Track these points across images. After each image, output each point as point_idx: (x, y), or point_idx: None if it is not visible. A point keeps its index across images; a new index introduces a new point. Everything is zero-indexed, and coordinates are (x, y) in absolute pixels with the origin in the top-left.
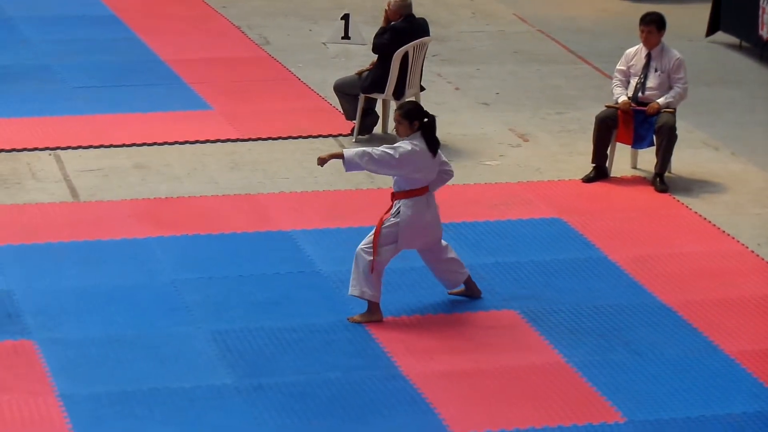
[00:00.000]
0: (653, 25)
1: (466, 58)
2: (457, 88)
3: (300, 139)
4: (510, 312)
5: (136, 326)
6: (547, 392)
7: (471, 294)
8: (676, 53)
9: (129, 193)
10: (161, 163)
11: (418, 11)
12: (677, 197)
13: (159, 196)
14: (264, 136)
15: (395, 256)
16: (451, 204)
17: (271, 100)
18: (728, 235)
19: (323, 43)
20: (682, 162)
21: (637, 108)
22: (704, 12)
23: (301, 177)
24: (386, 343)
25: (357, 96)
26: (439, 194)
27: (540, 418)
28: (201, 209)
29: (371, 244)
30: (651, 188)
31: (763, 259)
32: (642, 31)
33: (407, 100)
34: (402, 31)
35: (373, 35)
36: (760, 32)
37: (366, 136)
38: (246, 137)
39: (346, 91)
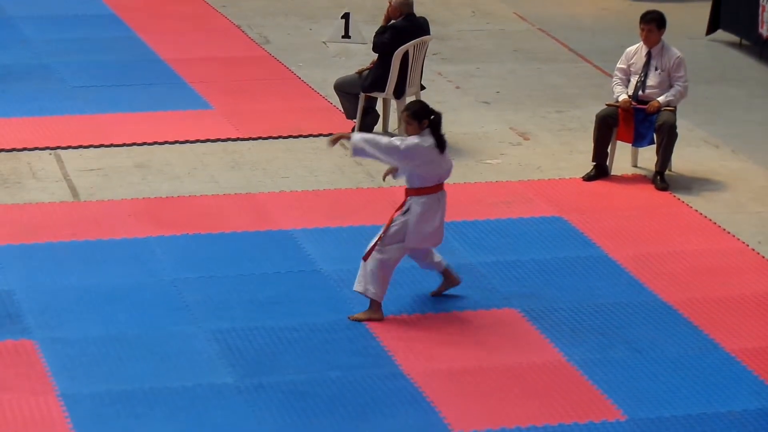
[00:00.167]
0: (653, 24)
1: (466, 56)
2: (457, 87)
3: (300, 139)
4: (511, 310)
5: (136, 325)
6: (548, 390)
7: (451, 284)
8: (677, 51)
9: (129, 193)
10: (162, 162)
11: (418, 10)
12: (678, 195)
13: (159, 195)
14: (264, 136)
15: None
16: (451, 203)
17: (271, 99)
18: (728, 233)
19: (323, 42)
20: (682, 160)
21: (638, 106)
22: (704, 10)
23: (301, 176)
24: (387, 341)
25: (357, 95)
26: None
27: (541, 416)
28: (201, 208)
29: (381, 241)
30: (651, 186)
31: (763, 257)
32: (642, 30)
33: (413, 100)
34: (402, 29)
35: (373, 34)
36: (760, 30)
37: None
38: (246, 136)
39: (346, 90)
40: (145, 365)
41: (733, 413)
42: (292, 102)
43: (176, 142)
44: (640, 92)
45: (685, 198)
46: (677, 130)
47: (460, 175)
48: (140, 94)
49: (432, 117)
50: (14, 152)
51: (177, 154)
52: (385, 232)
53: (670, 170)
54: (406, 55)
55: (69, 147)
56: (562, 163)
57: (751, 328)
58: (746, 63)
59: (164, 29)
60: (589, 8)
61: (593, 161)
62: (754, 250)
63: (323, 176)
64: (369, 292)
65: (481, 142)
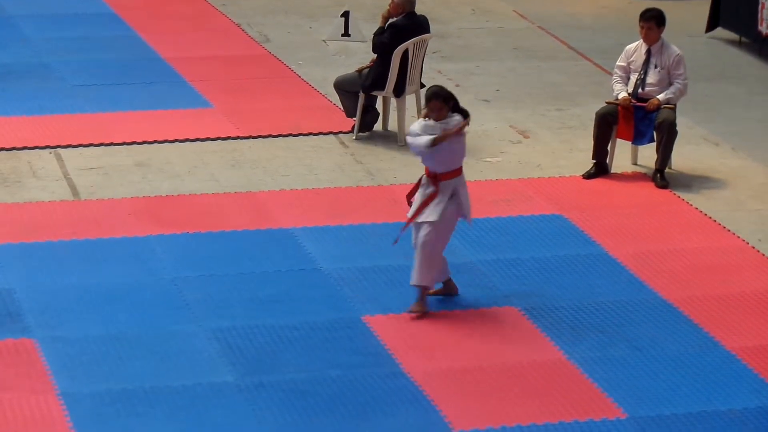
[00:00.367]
0: (653, 21)
1: (466, 54)
2: (457, 85)
3: (300, 137)
4: (511, 309)
5: (137, 324)
6: (548, 389)
7: (449, 291)
8: (676, 49)
9: (129, 191)
10: (162, 161)
11: (418, 8)
12: (677, 193)
13: (160, 194)
14: (264, 134)
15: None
16: None
17: (271, 97)
18: (728, 230)
19: (323, 41)
20: (682, 158)
21: (638, 104)
22: (704, 8)
23: (301, 174)
24: (387, 340)
25: (357, 93)
26: None
27: (541, 415)
28: (202, 207)
29: (430, 232)
30: (651, 184)
31: (763, 255)
32: (642, 28)
33: (431, 86)
34: (402, 28)
35: (372, 34)
36: (760, 28)
37: (366, 134)
38: (246, 135)
39: (346, 88)
40: (145, 364)
41: (733, 411)
42: (292, 100)
43: (176, 140)
44: (640, 90)
45: (685, 196)
46: (677, 128)
47: None
48: (140, 93)
49: (452, 98)
50: (14, 151)
51: (177, 153)
52: (416, 214)
53: (669, 168)
54: (406, 53)
55: (69, 146)
56: (562, 161)
57: (751, 325)
58: (746, 60)
59: (164, 28)
60: (588, 6)
61: (593, 159)
62: (753, 247)
63: (323, 174)
64: (424, 281)
65: (481, 141)
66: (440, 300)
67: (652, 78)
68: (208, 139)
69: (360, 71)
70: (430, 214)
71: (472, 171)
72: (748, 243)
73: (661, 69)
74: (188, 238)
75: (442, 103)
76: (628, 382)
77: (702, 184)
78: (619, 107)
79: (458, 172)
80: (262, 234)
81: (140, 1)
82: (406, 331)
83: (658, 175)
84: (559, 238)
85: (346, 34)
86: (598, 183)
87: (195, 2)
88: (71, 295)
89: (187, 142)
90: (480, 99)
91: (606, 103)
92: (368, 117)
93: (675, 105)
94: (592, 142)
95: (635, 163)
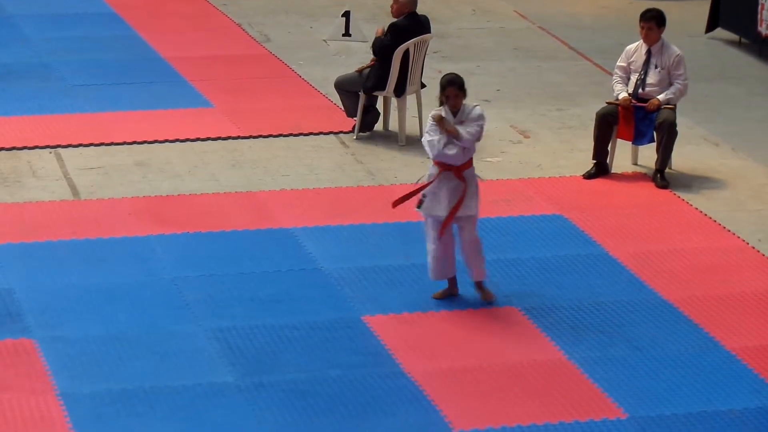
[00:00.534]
0: (653, 22)
1: (466, 54)
2: None
3: (301, 137)
4: (511, 309)
5: (137, 324)
6: (548, 389)
7: (452, 292)
8: (676, 50)
9: (130, 191)
10: (162, 160)
11: (418, 8)
12: (678, 193)
13: (160, 193)
14: (265, 134)
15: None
16: None
17: (272, 97)
18: (728, 231)
19: (324, 41)
20: (682, 158)
21: (638, 104)
22: (704, 8)
23: (302, 174)
24: (388, 340)
25: (358, 93)
26: None
27: (542, 415)
28: (202, 207)
29: (474, 225)
30: (651, 184)
31: (763, 255)
32: (642, 28)
33: (446, 73)
34: (403, 28)
35: (372, 34)
36: (759, 28)
37: (367, 133)
38: (247, 134)
39: (346, 88)
40: (145, 364)
41: (733, 411)
42: (292, 100)
43: (177, 140)
44: (640, 90)
45: (685, 196)
46: (677, 128)
47: None
48: (140, 93)
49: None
50: (14, 151)
51: (177, 153)
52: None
53: (670, 168)
54: (406, 53)
55: (69, 145)
56: (562, 161)
57: (751, 326)
58: (745, 61)
59: (164, 27)
60: (589, 6)
61: (593, 159)
62: (753, 247)
63: (324, 174)
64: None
65: (481, 140)
66: (440, 300)
67: (652, 78)
68: (208, 138)
69: (360, 71)
70: (470, 208)
71: None
72: (748, 243)
73: (662, 69)
74: (188, 238)
75: (457, 90)
76: (628, 382)
77: (702, 185)
78: (620, 107)
79: (468, 164)
80: (263, 234)
81: (140, 0)
82: (406, 331)
83: (659, 176)
84: (560, 238)
85: (346, 34)
86: (599, 183)
87: (195, 2)
88: (71, 295)
89: (188, 142)
90: (480, 99)
91: (606, 103)
92: (369, 117)
93: (675, 105)
94: (593, 142)
95: (635, 164)
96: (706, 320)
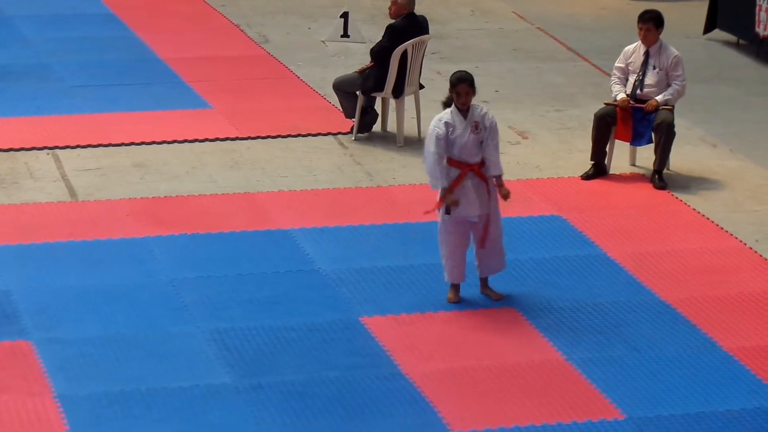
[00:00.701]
0: (651, 23)
1: (465, 55)
2: None
3: (299, 138)
4: (509, 309)
5: (134, 326)
6: (546, 390)
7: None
8: (674, 51)
9: (128, 193)
10: (160, 162)
11: (417, 9)
12: (676, 194)
13: (158, 195)
14: (263, 135)
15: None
16: None
17: (270, 98)
18: (726, 231)
19: (322, 42)
20: (680, 159)
21: (636, 105)
22: (702, 9)
23: (300, 175)
24: (386, 341)
25: (356, 94)
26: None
27: (540, 416)
28: (200, 208)
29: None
30: (650, 185)
31: (761, 256)
32: (640, 29)
33: (456, 70)
34: (401, 30)
35: (371, 33)
36: (757, 29)
37: (365, 134)
38: (245, 136)
39: (345, 89)
40: (143, 366)
41: (731, 412)
42: (291, 101)
43: (175, 141)
44: (638, 91)
45: (683, 197)
46: (675, 129)
47: None
48: (139, 94)
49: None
50: (12, 152)
51: (176, 154)
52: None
53: (668, 169)
54: (405, 54)
55: (67, 147)
56: (560, 162)
57: (749, 326)
58: (743, 62)
59: (163, 28)
60: (587, 7)
61: (592, 160)
62: (751, 248)
63: (322, 175)
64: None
65: None
66: (439, 300)
67: (650, 79)
68: (206, 139)
69: (361, 72)
70: (494, 205)
71: None
72: (745, 244)
73: (660, 70)
74: (186, 239)
75: (469, 87)
76: (626, 382)
77: (700, 185)
78: (618, 108)
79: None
80: (261, 235)
81: (139, 1)
82: (404, 332)
83: (657, 176)
84: (558, 239)
85: (345, 35)
86: (597, 184)
87: (194, 3)
88: (68, 297)
89: (186, 143)
90: (479, 100)
91: (604, 104)
92: (367, 118)
93: (673, 106)
94: (591, 143)
95: (633, 164)
96: (703, 321)
